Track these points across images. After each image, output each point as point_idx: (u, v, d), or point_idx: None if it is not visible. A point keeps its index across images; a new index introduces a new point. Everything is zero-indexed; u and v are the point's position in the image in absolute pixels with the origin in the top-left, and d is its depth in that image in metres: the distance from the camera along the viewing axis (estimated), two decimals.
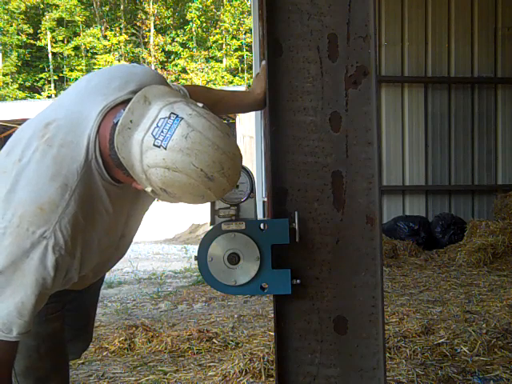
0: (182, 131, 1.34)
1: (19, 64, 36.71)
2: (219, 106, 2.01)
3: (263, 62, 1.74)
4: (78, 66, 36.60)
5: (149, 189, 1.40)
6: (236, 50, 38.83)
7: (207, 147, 1.36)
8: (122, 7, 39.83)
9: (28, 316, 1.47)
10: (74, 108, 1.52)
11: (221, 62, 38.96)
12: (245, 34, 36.94)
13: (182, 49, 39.04)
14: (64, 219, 1.42)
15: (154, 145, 1.34)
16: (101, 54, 37.48)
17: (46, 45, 37.67)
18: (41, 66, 38.13)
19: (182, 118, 1.35)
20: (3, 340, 1.46)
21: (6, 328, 1.45)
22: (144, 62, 38.71)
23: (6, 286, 1.42)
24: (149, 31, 38.94)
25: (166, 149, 1.33)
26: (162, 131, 1.34)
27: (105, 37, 37.88)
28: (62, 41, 37.89)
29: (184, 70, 38.20)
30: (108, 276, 7.27)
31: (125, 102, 1.46)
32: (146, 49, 38.71)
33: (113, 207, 1.55)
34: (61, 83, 37.12)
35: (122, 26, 39.25)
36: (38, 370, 1.78)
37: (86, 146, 1.46)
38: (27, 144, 1.47)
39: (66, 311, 1.93)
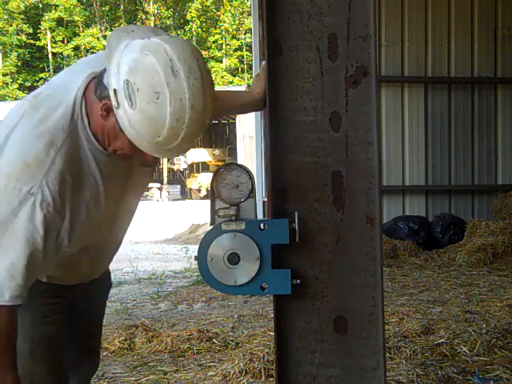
0: (165, 38, 1.42)
1: (19, 64, 36.72)
2: (219, 105, 2.01)
3: (263, 62, 1.74)
4: None
5: (113, 86, 1.39)
6: (236, 50, 38.83)
7: (185, 45, 1.42)
8: (122, 7, 39.82)
9: (20, 278, 1.45)
10: (62, 80, 1.59)
11: (221, 62, 38.96)
12: (245, 33, 36.93)
13: None
14: (50, 175, 1.44)
15: (140, 39, 1.42)
16: None
17: (46, 45, 37.68)
18: (41, 65, 38.14)
19: (166, 35, 1.47)
20: None
21: None
22: None
23: None
24: None
25: (148, 39, 1.41)
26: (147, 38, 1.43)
27: (105, 37, 37.82)
28: (62, 41, 37.90)
29: None
30: None
31: None
32: None
33: (101, 175, 1.55)
34: None
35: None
36: (33, 375, 1.74)
37: (72, 106, 1.50)
38: (16, 112, 1.53)
39: (70, 325, 1.89)
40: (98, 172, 1.55)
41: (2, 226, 1.43)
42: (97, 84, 1.48)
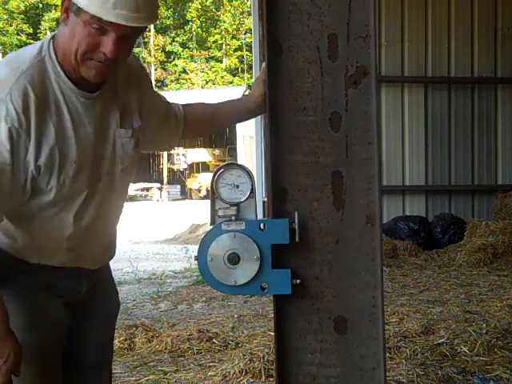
0: None
1: None
2: (219, 116, 2.04)
3: (263, 64, 1.74)
4: None
5: None
6: (236, 50, 38.84)
7: None
8: None
9: None
10: None
11: (221, 62, 38.97)
12: (245, 33, 36.94)
13: (181, 49, 39.04)
14: (14, 93, 1.53)
15: None
16: None
17: None
18: None
19: None
20: None
21: None
22: (144, 62, 38.71)
23: None
24: (149, 31, 38.91)
25: None
26: None
27: None
28: None
29: (184, 70, 38.20)
30: None
31: None
32: (146, 49, 38.69)
33: (68, 111, 1.62)
34: None
35: None
36: (22, 380, 1.70)
37: (41, 45, 1.64)
38: None
39: (75, 348, 1.86)
40: (66, 107, 1.62)
41: None
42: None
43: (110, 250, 1.96)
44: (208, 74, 37.74)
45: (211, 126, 2.10)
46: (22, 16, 36.74)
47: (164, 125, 1.95)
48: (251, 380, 3.33)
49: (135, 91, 1.81)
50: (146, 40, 38.86)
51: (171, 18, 39.45)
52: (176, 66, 38.49)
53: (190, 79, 37.71)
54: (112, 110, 1.73)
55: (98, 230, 1.81)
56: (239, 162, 1.89)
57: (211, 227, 1.69)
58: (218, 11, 38.39)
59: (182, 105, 2.02)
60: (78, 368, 1.93)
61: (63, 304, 1.82)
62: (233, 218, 1.70)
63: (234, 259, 1.63)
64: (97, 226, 1.79)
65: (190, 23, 38.79)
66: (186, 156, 29.49)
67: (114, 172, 1.76)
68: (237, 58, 38.66)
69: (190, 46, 39.19)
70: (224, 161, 26.95)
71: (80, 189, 1.69)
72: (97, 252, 1.87)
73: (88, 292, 1.88)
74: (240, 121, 2.08)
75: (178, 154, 29.40)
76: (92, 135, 1.68)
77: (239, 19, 37.58)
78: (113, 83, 1.74)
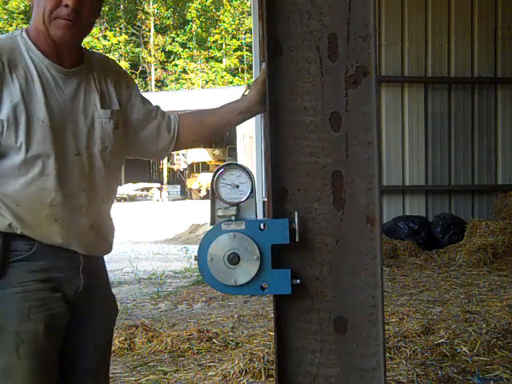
0: None
1: None
2: (212, 117, 2.05)
3: (263, 65, 1.74)
4: None
5: None
6: (236, 50, 38.83)
7: None
8: (121, 7, 39.81)
9: None
10: None
11: (221, 62, 38.97)
12: (245, 33, 36.93)
13: (181, 49, 39.03)
14: None
15: None
16: None
17: None
18: None
19: None
20: None
21: None
22: (144, 62, 38.71)
23: None
24: (149, 31, 38.94)
25: None
26: None
27: (105, 37, 37.87)
28: None
29: (184, 70, 38.20)
30: (108, 276, 7.25)
31: None
32: (146, 49, 38.70)
33: (40, 80, 1.74)
34: None
35: (122, 26, 39.24)
36: (15, 372, 1.71)
37: (12, 32, 1.83)
38: None
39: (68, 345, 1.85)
40: (36, 74, 1.75)
41: None
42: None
43: (104, 238, 1.93)
44: (208, 74, 37.74)
45: (207, 129, 2.07)
46: (22, 16, 36.70)
47: (149, 123, 1.99)
48: (251, 380, 3.33)
49: (112, 82, 1.94)
50: (146, 40, 38.87)
51: (171, 18, 39.45)
52: (176, 65, 38.49)
53: (189, 79, 37.72)
54: (91, 91, 1.86)
55: (82, 205, 1.81)
56: (239, 162, 1.89)
57: (211, 227, 1.69)
58: (217, 11, 38.38)
59: (179, 114, 2.09)
60: (74, 370, 1.91)
61: (61, 299, 1.80)
62: (233, 217, 1.70)
63: (233, 259, 1.63)
64: (80, 199, 1.80)
65: (190, 23, 38.80)
66: (186, 156, 29.49)
67: (93, 150, 1.83)
68: (237, 58, 38.66)
69: (190, 45, 39.19)
70: (224, 161, 26.95)
71: (52, 151, 1.74)
72: (85, 231, 1.84)
73: (86, 292, 1.87)
74: (236, 122, 2.05)
75: (178, 154, 29.40)
76: (65, 106, 1.78)
77: (239, 19, 37.58)
78: (90, 69, 1.88)
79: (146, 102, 2.02)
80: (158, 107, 2.04)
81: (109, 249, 1.97)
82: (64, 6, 1.72)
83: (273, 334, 1.76)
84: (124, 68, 2.16)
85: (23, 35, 1.80)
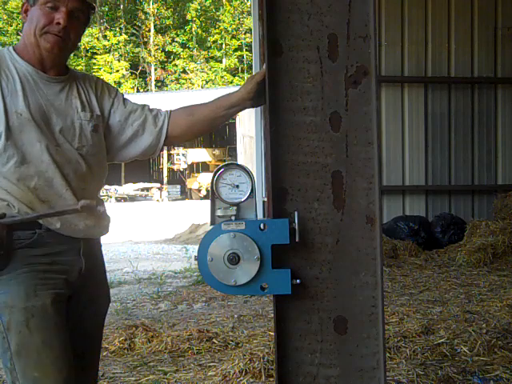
0: None
1: None
2: (202, 109, 2.10)
3: (264, 66, 1.74)
4: (77, 65, 36.60)
5: None
6: (236, 50, 38.82)
7: None
8: (121, 7, 39.80)
9: None
10: None
11: (220, 62, 38.96)
12: (245, 33, 36.93)
13: (181, 49, 39.02)
14: None
15: None
16: (100, 54, 37.45)
17: None
18: None
19: None
20: None
21: None
22: (144, 62, 38.70)
23: None
24: (149, 31, 38.93)
25: None
26: None
27: (104, 37, 37.86)
28: None
29: (184, 70, 38.19)
30: (108, 276, 7.26)
31: None
32: (146, 49, 38.69)
33: (20, 81, 1.89)
34: None
35: (121, 26, 39.23)
36: (28, 348, 1.77)
37: (2, 49, 1.99)
38: None
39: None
40: (18, 76, 1.90)
41: None
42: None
43: (97, 221, 2.00)
44: (208, 74, 37.74)
45: (196, 122, 2.10)
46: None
47: (134, 121, 2.08)
48: (251, 380, 3.33)
49: (94, 92, 2.08)
50: (146, 40, 38.85)
51: (171, 18, 39.44)
52: (176, 66, 38.48)
53: (189, 79, 37.71)
54: (72, 97, 2.00)
55: (66, 188, 1.91)
56: (239, 162, 1.90)
57: (211, 227, 1.69)
58: (217, 11, 38.37)
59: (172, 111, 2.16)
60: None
61: (65, 282, 1.89)
62: (233, 217, 1.70)
63: (233, 259, 1.63)
64: (63, 184, 1.90)
65: (190, 23, 38.79)
66: (186, 156, 29.48)
67: (72, 145, 1.95)
68: (237, 58, 38.66)
69: (190, 45, 39.18)
70: (224, 161, 26.95)
71: (30, 140, 1.87)
72: (76, 215, 1.93)
73: (86, 275, 1.96)
74: (225, 116, 2.08)
75: (178, 154, 29.42)
76: (45, 104, 1.92)
77: (239, 19, 37.58)
78: (73, 80, 2.03)
79: (128, 103, 2.13)
80: (144, 105, 2.14)
81: (104, 230, 2.07)
82: (56, 23, 1.90)
83: (273, 334, 1.76)
84: (107, 81, 2.32)
85: (9, 49, 1.99)
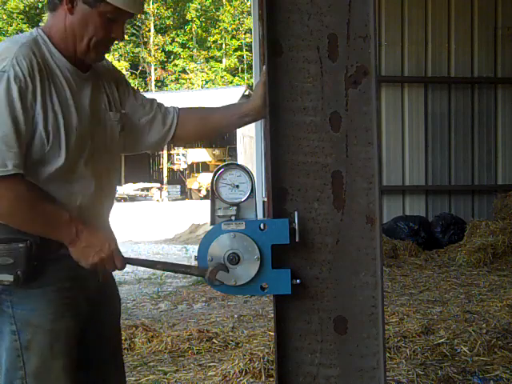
0: None
1: None
2: (213, 117, 2.04)
3: (264, 67, 1.74)
4: None
5: None
6: (236, 50, 38.81)
7: None
8: None
9: (16, 146, 1.63)
10: None
11: (220, 62, 38.96)
12: (245, 33, 36.91)
13: (181, 49, 39.01)
14: (19, 56, 1.67)
15: None
16: None
17: None
18: None
19: None
20: (4, 176, 1.61)
21: (1, 164, 1.61)
22: (144, 62, 38.71)
23: None
24: (149, 31, 38.90)
25: None
26: None
27: None
28: None
29: (184, 70, 38.18)
30: None
31: None
32: (146, 49, 38.67)
33: (68, 85, 1.76)
34: None
35: None
36: (48, 372, 1.74)
37: (30, 32, 1.81)
38: None
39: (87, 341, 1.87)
40: (64, 79, 1.76)
41: None
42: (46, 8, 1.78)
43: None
44: (208, 74, 37.72)
45: (208, 126, 2.05)
46: (22, 16, 36.71)
47: (142, 116, 1.99)
48: (251, 380, 3.33)
49: (115, 84, 1.97)
50: (146, 40, 38.84)
51: (171, 18, 39.41)
52: (176, 65, 38.47)
53: (189, 79, 37.70)
54: (100, 93, 1.89)
55: (102, 202, 1.89)
56: (239, 162, 1.90)
57: (211, 227, 1.69)
58: (217, 11, 38.36)
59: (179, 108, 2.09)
60: (92, 362, 1.94)
61: (86, 299, 1.86)
62: (233, 218, 1.70)
63: (233, 259, 1.63)
64: (100, 198, 1.86)
65: (190, 23, 38.77)
66: (186, 156, 29.46)
67: (102, 151, 1.86)
68: (237, 58, 38.64)
69: (190, 45, 39.17)
70: (224, 161, 26.94)
71: (83, 156, 1.79)
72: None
73: (102, 283, 1.92)
74: (238, 124, 2.04)
75: (178, 154, 29.40)
76: (88, 110, 1.82)
77: (239, 19, 37.55)
78: (97, 74, 1.91)
79: (138, 96, 2.03)
80: (153, 100, 2.05)
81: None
82: (112, 37, 1.80)
83: (273, 334, 1.76)
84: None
85: (43, 36, 1.78)
